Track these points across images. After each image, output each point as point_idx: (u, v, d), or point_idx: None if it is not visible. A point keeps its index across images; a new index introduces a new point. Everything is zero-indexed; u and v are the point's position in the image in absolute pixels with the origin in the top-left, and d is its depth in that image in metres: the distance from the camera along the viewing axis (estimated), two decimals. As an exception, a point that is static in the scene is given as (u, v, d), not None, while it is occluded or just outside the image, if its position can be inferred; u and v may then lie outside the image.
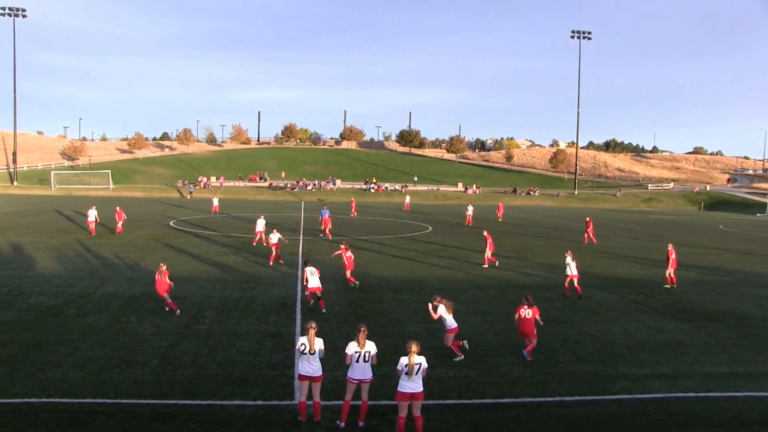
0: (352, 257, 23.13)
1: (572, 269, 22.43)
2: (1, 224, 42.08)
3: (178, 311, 18.32)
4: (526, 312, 15.03)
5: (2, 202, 67.15)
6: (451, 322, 14.86)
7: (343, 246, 23.37)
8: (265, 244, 31.88)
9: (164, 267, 18.69)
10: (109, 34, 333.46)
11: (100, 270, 25.28)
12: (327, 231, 38.70)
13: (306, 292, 19.88)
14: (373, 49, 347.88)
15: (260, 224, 34.01)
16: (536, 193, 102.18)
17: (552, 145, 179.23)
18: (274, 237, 27.80)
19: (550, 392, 12.82)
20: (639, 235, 47.65)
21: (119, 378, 12.92)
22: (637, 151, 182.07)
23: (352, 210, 59.32)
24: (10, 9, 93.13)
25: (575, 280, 22.44)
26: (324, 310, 19.13)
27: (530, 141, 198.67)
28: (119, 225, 38.52)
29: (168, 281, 18.43)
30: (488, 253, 29.09)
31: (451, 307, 15.06)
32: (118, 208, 39.78)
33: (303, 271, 19.95)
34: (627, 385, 13.35)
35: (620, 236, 46.46)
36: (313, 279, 19.32)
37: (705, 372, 14.38)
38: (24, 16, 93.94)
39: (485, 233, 30.05)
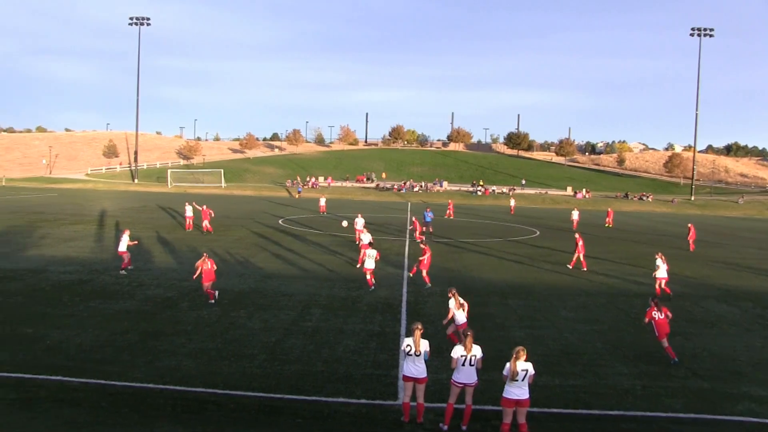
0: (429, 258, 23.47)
1: (662, 271, 22.50)
2: (123, 219, 44.81)
3: (213, 300, 19.50)
4: (659, 314, 15.03)
5: (124, 198, 71.59)
6: (460, 317, 15.07)
7: (424, 247, 23.83)
8: (356, 242, 32.70)
9: (207, 255, 20.00)
10: (224, 40, 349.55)
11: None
12: (417, 233, 37.67)
13: (368, 276, 22.51)
14: (481, 49, 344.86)
15: (359, 223, 34.64)
16: (649, 199, 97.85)
17: (667, 149, 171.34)
18: (365, 238, 28.29)
19: (663, 407, 12.20)
20: (765, 245, 44.59)
21: (229, 370, 13.45)
22: (763, 155, 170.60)
23: (449, 212, 58.75)
24: (137, 18, 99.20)
25: (663, 282, 22.50)
26: (372, 288, 22.11)
27: (643, 144, 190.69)
28: (206, 223, 38.26)
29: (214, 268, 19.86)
30: (576, 256, 28.96)
31: (463, 306, 15.25)
32: (205, 207, 40.14)
33: (363, 252, 22.85)
34: (752, 407, 12.42)
35: (743, 246, 43.65)
36: (369, 261, 22.41)
37: None
38: (148, 25, 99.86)
39: (576, 235, 29.96)
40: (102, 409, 11.08)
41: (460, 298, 15.33)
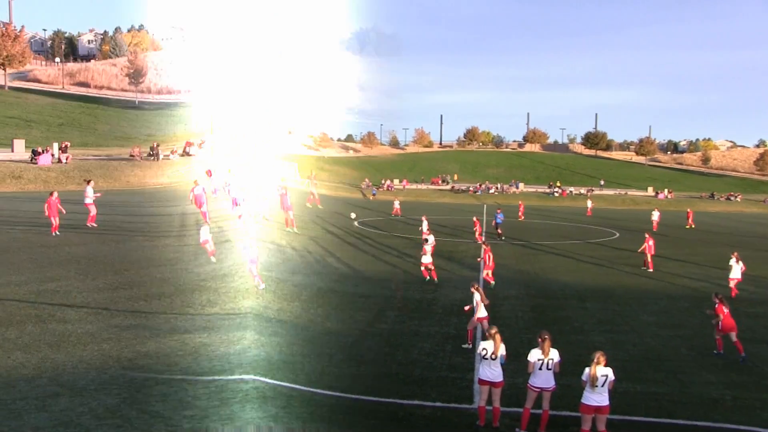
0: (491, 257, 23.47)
1: (735, 272, 22.14)
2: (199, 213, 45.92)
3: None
4: (726, 308, 14.91)
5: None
6: (482, 311, 15.72)
7: (486, 247, 23.92)
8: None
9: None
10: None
11: (291, 260, 26.54)
12: (478, 234, 36.95)
13: (422, 268, 23.67)
14: (556, 48, 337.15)
15: (424, 225, 34.65)
16: (738, 199, 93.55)
17: (758, 146, 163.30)
18: (429, 239, 28.03)
19: (759, 421, 11.54)
20: None
21: (307, 368, 13.61)
22: None
23: (520, 214, 57.71)
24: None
25: (732, 282, 22.09)
26: (435, 280, 23.30)
27: (731, 142, 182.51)
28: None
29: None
30: (649, 256, 28.39)
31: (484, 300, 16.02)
32: None
33: (423, 248, 24.17)
34: None
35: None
36: (424, 257, 23.67)
37: None
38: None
39: (646, 235, 29.65)
40: (182, 402, 11.39)
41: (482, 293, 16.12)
